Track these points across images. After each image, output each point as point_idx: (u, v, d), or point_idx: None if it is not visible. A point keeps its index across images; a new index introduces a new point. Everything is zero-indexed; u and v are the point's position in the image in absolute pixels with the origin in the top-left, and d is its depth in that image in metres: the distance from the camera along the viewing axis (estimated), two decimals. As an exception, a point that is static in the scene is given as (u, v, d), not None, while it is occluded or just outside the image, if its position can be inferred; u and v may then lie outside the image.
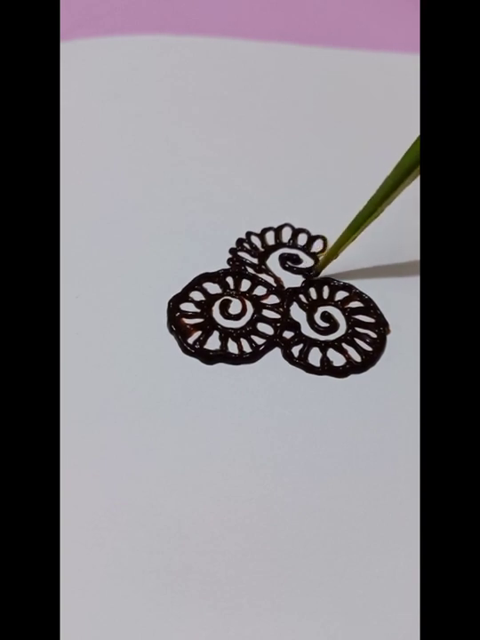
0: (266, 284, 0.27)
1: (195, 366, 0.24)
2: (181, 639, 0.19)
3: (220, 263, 0.27)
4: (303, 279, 0.27)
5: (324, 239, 0.29)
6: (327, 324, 0.26)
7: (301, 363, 0.25)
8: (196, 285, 0.26)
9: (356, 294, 0.27)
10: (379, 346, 0.25)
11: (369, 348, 0.25)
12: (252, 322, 0.26)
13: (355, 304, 0.27)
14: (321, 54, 0.37)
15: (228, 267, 0.27)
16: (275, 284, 0.27)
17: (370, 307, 0.26)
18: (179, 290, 0.26)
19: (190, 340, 0.25)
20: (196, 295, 0.26)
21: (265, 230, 0.29)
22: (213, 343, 0.25)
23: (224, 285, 0.27)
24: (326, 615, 0.20)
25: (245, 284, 0.27)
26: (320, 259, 0.28)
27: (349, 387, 0.24)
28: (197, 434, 0.23)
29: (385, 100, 0.35)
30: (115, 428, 0.23)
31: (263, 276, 0.27)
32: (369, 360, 0.25)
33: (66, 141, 0.29)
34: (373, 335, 0.26)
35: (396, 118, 0.34)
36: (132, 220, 0.29)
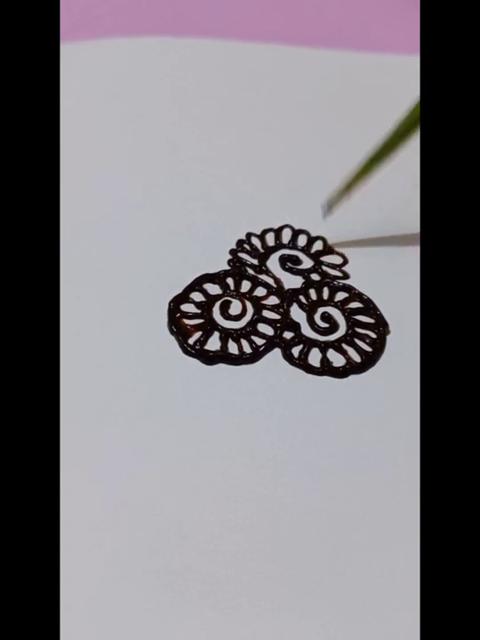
0: (266, 285, 0.27)
1: (195, 367, 0.24)
2: (181, 639, 0.19)
3: (221, 263, 0.27)
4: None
5: (324, 240, 0.29)
6: (327, 325, 0.26)
7: (301, 363, 0.25)
8: (196, 286, 0.27)
9: (355, 295, 0.27)
10: (378, 346, 0.25)
11: (369, 349, 0.25)
12: (253, 322, 0.26)
13: (354, 304, 0.27)
14: (321, 56, 0.37)
15: (228, 267, 0.27)
16: (275, 285, 0.27)
17: (370, 307, 0.26)
18: (179, 290, 0.26)
19: (191, 341, 0.25)
20: (197, 296, 0.26)
21: (265, 231, 0.29)
22: (214, 344, 0.25)
23: (224, 286, 0.27)
24: (326, 615, 0.20)
25: (246, 285, 0.27)
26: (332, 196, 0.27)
27: (349, 387, 0.24)
28: (197, 434, 0.23)
29: (385, 101, 0.35)
30: (115, 428, 0.23)
31: (263, 277, 0.27)
32: (369, 360, 0.25)
33: (66, 142, 0.29)
34: (373, 335, 0.26)
35: (396, 119, 0.34)
36: (132, 220, 0.29)
